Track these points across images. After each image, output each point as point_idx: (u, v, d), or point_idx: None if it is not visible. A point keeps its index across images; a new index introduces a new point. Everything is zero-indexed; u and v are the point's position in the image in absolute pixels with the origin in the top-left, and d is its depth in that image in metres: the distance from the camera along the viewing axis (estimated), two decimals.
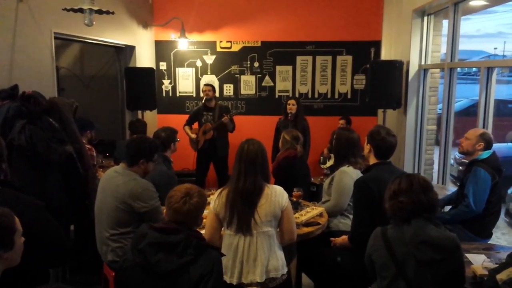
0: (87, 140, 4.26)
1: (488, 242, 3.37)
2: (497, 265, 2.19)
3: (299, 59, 6.77)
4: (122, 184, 2.91)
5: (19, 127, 3.09)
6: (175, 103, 6.92)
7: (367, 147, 3.04)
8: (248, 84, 6.86)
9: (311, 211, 3.41)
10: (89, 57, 6.87)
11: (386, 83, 5.19)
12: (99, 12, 3.80)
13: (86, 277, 3.91)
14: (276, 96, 6.85)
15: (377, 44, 6.57)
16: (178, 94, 6.96)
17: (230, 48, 6.82)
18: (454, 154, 6.79)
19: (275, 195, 2.56)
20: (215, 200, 2.61)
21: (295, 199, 3.66)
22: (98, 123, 4.72)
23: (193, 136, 5.87)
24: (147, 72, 5.99)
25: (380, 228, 2.31)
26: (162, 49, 6.86)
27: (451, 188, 4.48)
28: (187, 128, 5.93)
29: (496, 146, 6.90)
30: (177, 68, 6.90)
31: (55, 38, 4.33)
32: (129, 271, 2.07)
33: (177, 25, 6.37)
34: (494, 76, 4.02)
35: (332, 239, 3.20)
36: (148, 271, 2.00)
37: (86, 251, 3.68)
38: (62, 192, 3.31)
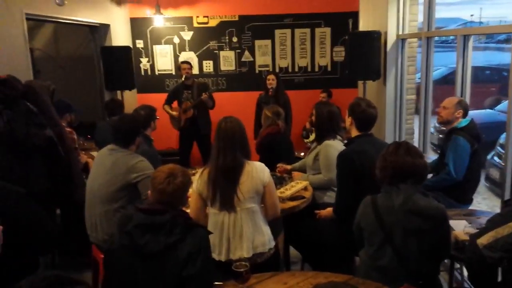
0: (66, 123, 4.18)
1: (469, 208, 3.46)
2: (478, 230, 2.25)
3: (277, 32, 6.70)
4: (120, 159, 3.01)
5: None
6: (155, 82, 6.82)
7: (348, 120, 3.06)
8: (227, 60, 6.79)
9: (295, 185, 3.44)
10: (64, 38, 6.69)
11: (365, 55, 5.18)
12: None
13: (75, 260, 3.91)
14: (257, 71, 6.80)
15: (354, 15, 6.53)
16: (157, 72, 6.85)
17: (207, 23, 6.71)
18: (434, 122, 6.89)
19: (256, 171, 2.59)
20: (197, 180, 2.62)
21: (279, 174, 3.70)
22: (77, 105, 4.64)
23: (175, 113, 5.82)
24: (124, 50, 5.85)
25: (370, 196, 2.36)
26: (137, 26, 6.71)
27: (432, 156, 4.56)
28: (167, 107, 5.86)
29: (474, 112, 7.01)
30: (154, 46, 6.77)
31: (27, 19, 4.19)
32: (117, 253, 2.08)
33: (152, 1, 6.23)
34: (471, 44, 4.05)
35: (316, 211, 3.25)
36: (136, 252, 2.01)
37: (74, 235, 3.67)
38: (44, 177, 3.27)
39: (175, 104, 5.94)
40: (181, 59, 6.61)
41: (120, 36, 6.33)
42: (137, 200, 2.90)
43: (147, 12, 6.47)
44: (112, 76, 5.73)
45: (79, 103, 5.12)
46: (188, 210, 2.59)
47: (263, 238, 2.60)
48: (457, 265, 3.32)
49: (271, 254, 2.64)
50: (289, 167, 3.91)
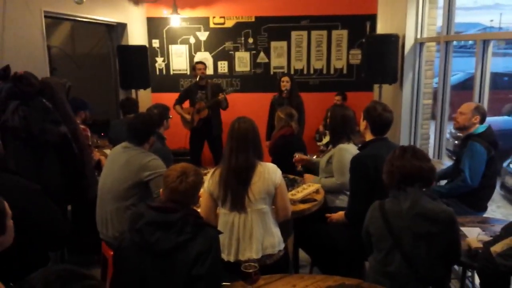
0: (81, 120, 4.23)
1: (483, 215, 3.40)
2: (491, 238, 2.21)
3: (294, 34, 6.69)
4: (133, 157, 3.02)
5: (12, 108, 3.06)
6: (169, 81, 6.85)
7: (363, 123, 3.03)
8: (242, 61, 6.79)
9: (307, 188, 3.41)
10: (81, 36, 6.76)
11: (382, 58, 5.15)
12: None
13: (85, 257, 3.94)
14: (271, 73, 6.79)
15: (372, 18, 6.48)
16: (172, 72, 6.89)
17: (223, 24, 6.72)
18: (450, 128, 6.81)
19: (268, 172, 2.57)
20: (209, 179, 2.62)
21: (296, 163, 3.75)
22: (92, 103, 4.68)
23: (188, 116, 5.80)
24: (140, 50, 5.89)
25: (378, 201, 2.35)
26: (154, 26, 6.75)
27: (447, 162, 4.50)
28: (178, 107, 5.84)
29: (492, 119, 6.92)
30: (170, 46, 6.81)
31: (45, 17, 4.24)
32: (127, 250, 2.08)
33: (169, 1, 6.26)
34: (490, 49, 3.99)
35: (328, 215, 3.23)
36: (146, 250, 2.01)
37: (84, 231, 3.70)
38: (57, 173, 3.30)
39: (185, 104, 5.94)
40: (196, 59, 6.63)
41: (137, 35, 6.37)
42: (149, 199, 2.91)
43: (164, 11, 6.50)
44: (127, 75, 5.77)
45: (94, 101, 5.16)
46: (199, 210, 2.59)
47: (273, 239, 2.59)
48: (469, 273, 3.27)
49: (280, 256, 2.62)
50: (305, 157, 3.90)
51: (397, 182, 2.26)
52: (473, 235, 2.56)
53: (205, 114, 5.75)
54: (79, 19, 5.04)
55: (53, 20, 5.42)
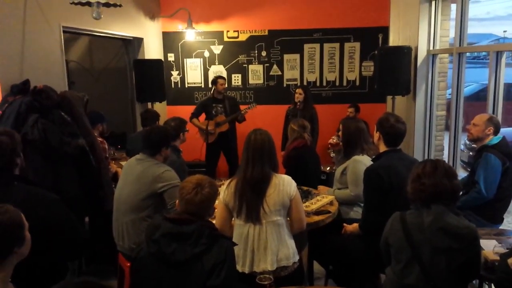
0: (98, 133, 4.29)
1: (499, 228, 3.37)
2: (508, 250, 2.20)
3: (306, 47, 6.74)
4: (146, 169, 3.06)
5: (32, 121, 3.13)
6: (184, 94, 6.94)
7: (376, 135, 3.04)
8: (256, 73, 6.85)
9: (321, 200, 3.42)
10: (98, 50, 6.89)
11: (394, 70, 5.16)
12: (107, 5, 3.81)
13: (102, 268, 3.98)
14: (284, 85, 6.84)
15: (385, 30, 6.51)
16: (186, 85, 6.98)
17: (237, 37, 6.81)
18: (464, 139, 6.76)
19: (283, 184, 2.59)
20: (225, 190, 2.65)
21: (331, 147, 3.78)
22: (108, 116, 4.76)
23: (209, 128, 5.79)
24: (156, 63, 6.00)
25: (399, 212, 2.31)
26: (169, 40, 6.87)
27: (461, 174, 4.47)
28: (195, 120, 5.89)
29: (506, 130, 6.85)
30: (185, 59, 6.91)
31: (64, 32, 4.35)
32: (144, 261, 2.11)
33: (184, 16, 6.37)
34: (504, 60, 3.99)
35: (344, 224, 3.23)
36: (162, 261, 2.04)
37: (101, 242, 3.75)
38: (75, 185, 3.36)
39: (201, 117, 5.99)
40: (210, 72, 6.74)
41: (153, 50, 6.48)
42: (164, 210, 2.95)
43: (179, 26, 6.61)
44: (143, 88, 5.87)
45: (111, 114, 5.24)
46: (214, 221, 2.62)
47: (288, 251, 2.59)
48: (486, 286, 3.23)
49: (295, 268, 2.62)
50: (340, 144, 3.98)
51: (424, 199, 2.21)
52: (489, 247, 2.54)
53: (226, 127, 5.81)
54: (97, 34, 5.15)
55: (71, 35, 5.54)
